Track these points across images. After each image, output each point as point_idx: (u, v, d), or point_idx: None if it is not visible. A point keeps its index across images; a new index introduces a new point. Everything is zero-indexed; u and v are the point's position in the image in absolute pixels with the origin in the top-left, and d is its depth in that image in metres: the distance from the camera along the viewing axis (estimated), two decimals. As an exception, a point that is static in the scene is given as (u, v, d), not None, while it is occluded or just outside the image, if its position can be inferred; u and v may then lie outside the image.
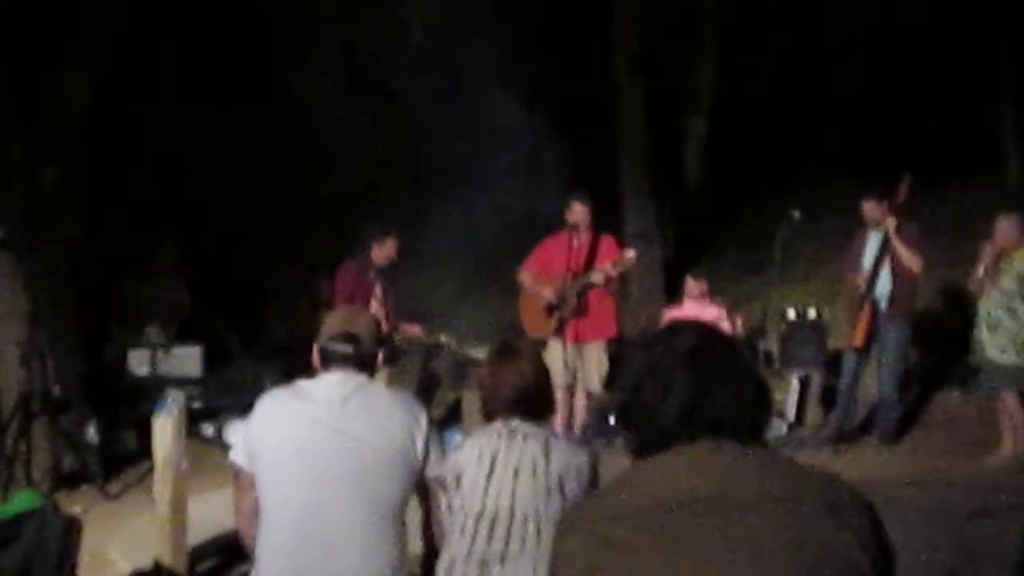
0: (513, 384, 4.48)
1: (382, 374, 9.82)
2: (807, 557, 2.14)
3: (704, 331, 2.56)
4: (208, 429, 10.71)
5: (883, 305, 10.28)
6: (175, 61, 13.37)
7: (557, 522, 2.48)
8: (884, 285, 10.29)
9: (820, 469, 2.41)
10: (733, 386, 2.40)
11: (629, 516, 2.23)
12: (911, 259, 10.16)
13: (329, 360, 4.30)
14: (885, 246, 10.25)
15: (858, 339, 10.33)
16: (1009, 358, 9.71)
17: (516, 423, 4.42)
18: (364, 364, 4.31)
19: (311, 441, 4.12)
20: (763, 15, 17.11)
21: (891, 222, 10.18)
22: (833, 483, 2.34)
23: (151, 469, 7.04)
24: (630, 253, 10.43)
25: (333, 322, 4.38)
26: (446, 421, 10.67)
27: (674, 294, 13.14)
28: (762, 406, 2.47)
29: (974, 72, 15.94)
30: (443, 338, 11.56)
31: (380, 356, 4.46)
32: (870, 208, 10.35)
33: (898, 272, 10.24)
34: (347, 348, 4.26)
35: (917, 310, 11.20)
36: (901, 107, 16.33)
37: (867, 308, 10.26)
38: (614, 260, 10.20)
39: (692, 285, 11.64)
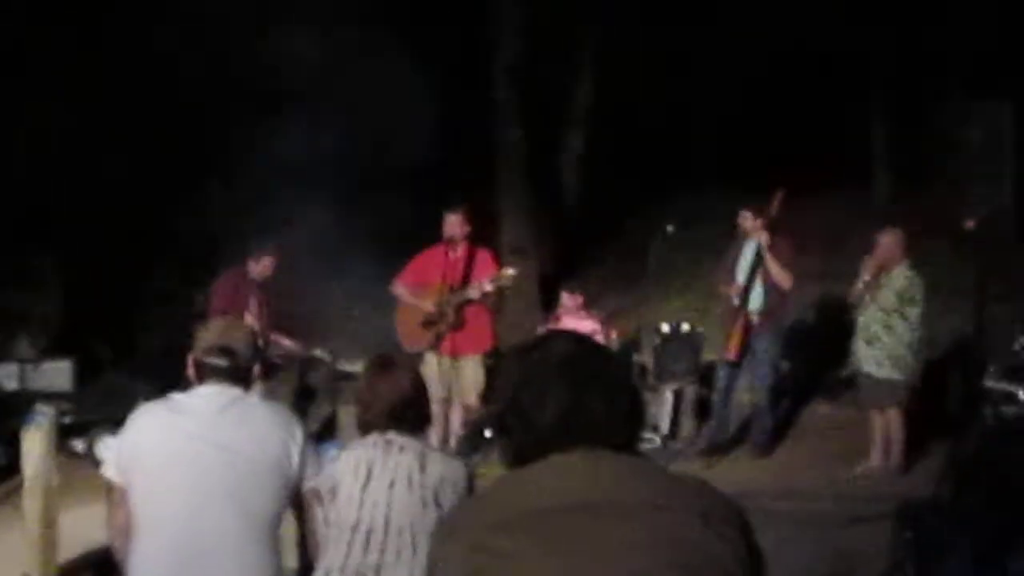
0: (389, 397, 4.48)
1: (257, 387, 9.80)
2: (681, 561, 2.16)
3: (579, 339, 2.57)
4: (79, 444, 10.51)
5: (755, 317, 10.41)
6: (48, 60, 13.13)
7: (433, 531, 2.48)
8: (757, 298, 10.41)
9: (692, 477, 2.44)
10: (608, 394, 2.41)
11: (506, 523, 2.23)
12: (781, 275, 10.30)
13: (205, 373, 4.26)
14: (759, 259, 10.38)
15: (732, 351, 10.45)
16: (885, 372, 9.88)
17: (392, 435, 4.42)
18: (240, 377, 4.28)
19: (186, 454, 4.08)
20: (638, 30, 17.25)
21: (764, 236, 10.31)
22: (705, 490, 2.37)
23: (21, 484, 6.90)
24: (509, 271, 10.43)
25: (209, 334, 4.34)
26: (322, 435, 10.58)
27: (551, 307, 13.20)
28: (636, 414, 2.50)
29: (845, 86, 16.23)
30: (319, 352, 11.48)
31: (256, 368, 4.44)
32: (745, 219, 10.47)
33: (770, 285, 10.37)
34: (223, 361, 4.23)
35: (789, 322, 11.38)
36: (774, 120, 16.56)
37: (741, 320, 10.39)
38: (492, 276, 10.20)
39: (567, 299, 11.69)
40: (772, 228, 10.36)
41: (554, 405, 2.37)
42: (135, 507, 4.14)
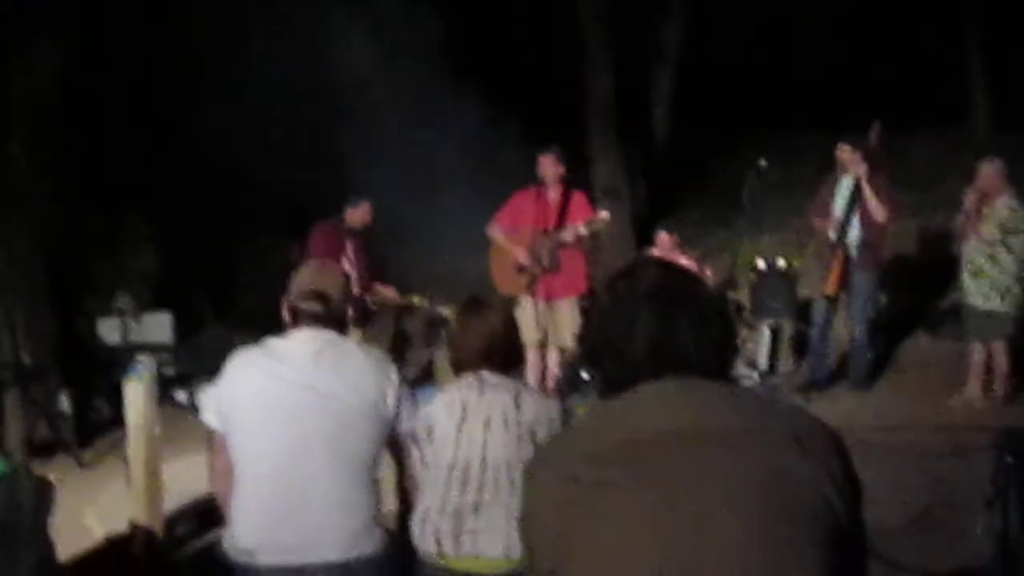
0: (481, 336, 4.51)
1: (355, 335, 9.90)
2: (777, 487, 2.14)
3: (667, 267, 2.55)
4: (181, 395, 10.67)
5: (853, 252, 10.30)
6: (141, 38, 13.25)
7: (526, 463, 2.48)
8: (854, 232, 10.30)
9: (787, 403, 2.42)
10: (698, 321, 2.38)
11: (598, 453, 2.22)
12: (878, 209, 10.16)
13: (299, 318, 4.29)
14: (856, 194, 10.25)
15: (830, 286, 10.36)
16: (992, 305, 9.78)
17: (485, 375, 4.44)
18: (334, 321, 4.31)
19: (283, 398, 4.12)
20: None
21: (862, 168, 10.18)
22: (800, 416, 2.34)
23: (124, 437, 7.01)
24: (603, 214, 10.40)
25: (302, 279, 4.37)
26: (420, 381, 10.67)
27: (645, 249, 13.15)
28: (727, 342, 2.47)
29: (941, 19, 15.95)
30: (416, 300, 11.54)
31: (350, 311, 4.47)
32: (844, 151, 10.34)
33: (867, 220, 10.25)
34: (316, 306, 4.26)
35: (888, 256, 11.26)
36: (868, 56, 16.34)
37: (839, 255, 10.29)
38: (587, 220, 10.16)
39: (663, 238, 11.65)
40: (870, 160, 10.22)
41: (643, 333, 2.35)
42: (235, 452, 4.20)
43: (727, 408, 2.28)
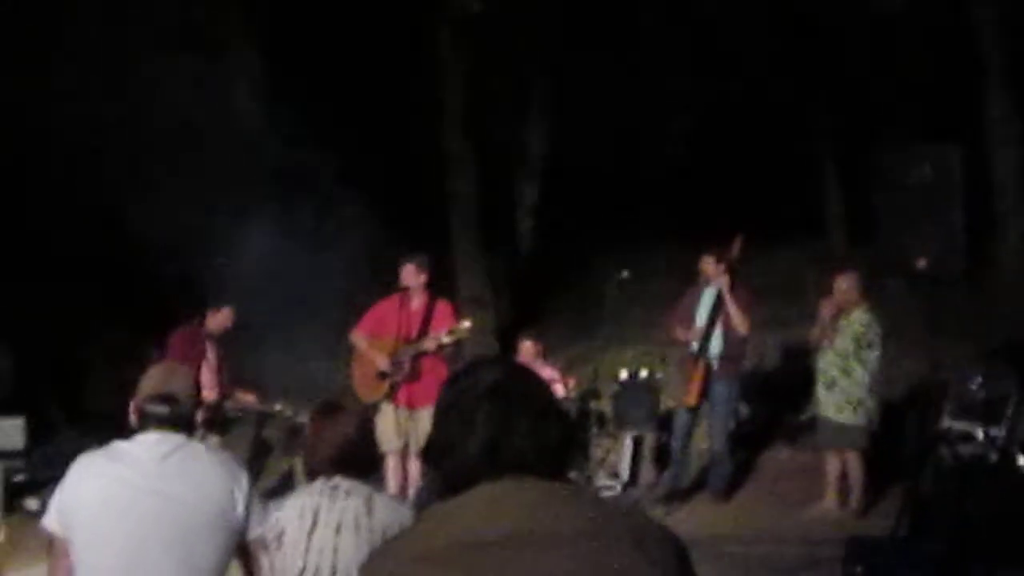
0: (335, 441, 4.45)
1: (213, 441, 9.74)
2: None
3: (507, 366, 2.55)
4: (32, 503, 10.41)
5: (714, 363, 10.42)
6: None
7: (360, 565, 2.44)
8: (716, 343, 10.43)
9: (627, 506, 2.42)
10: (535, 422, 2.36)
11: (433, 555, 2.19)
12: (740, 319, 10.32)
13: (147, 420, 4.21)
14: (718, 305, 10.41)
15: (691, 397, 10.46)
16: (845, 416, 9.92)
17: (338, 480, 4.38)
18: (182, 424, 4.24)
19: (126, 504, 4.02)
20: (593, 81, 17.34)
21: (725, 280, 10.35)
22: (638, 518, 2.34)
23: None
24: (465, 323, 10.40)
25: (150, 381, 4.29)
26: (279, 489, 10.51)
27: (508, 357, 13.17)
28: (566, 443, 2.46)
29: (795, 135, 16.35)
30: (277, 405, 11.40)
31: (199, 414, 4.40)
32: (707, 263, 10.50)
33: (729, 332, 10.40)
34: (164, 409, 4.18)
35: (748, 368, 11.41)
36: (727, 170, 16.67)
37: (700, 366, 10.40)
38: (449, 329, 10.17)
39: (526, 346, 11.70)
40: (733, 272, 10.39)
41: (481, 432, 2.34)
42: (75, 558, 4.08)
43: (563, 510, 2.26)
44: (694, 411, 10.63)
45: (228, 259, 12.46)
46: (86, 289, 13.51)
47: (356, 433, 4.52)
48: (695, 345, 10.47)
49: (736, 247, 10.41)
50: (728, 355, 10.45)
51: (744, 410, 11.48)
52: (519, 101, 17.83)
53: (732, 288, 10.37)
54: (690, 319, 10.64)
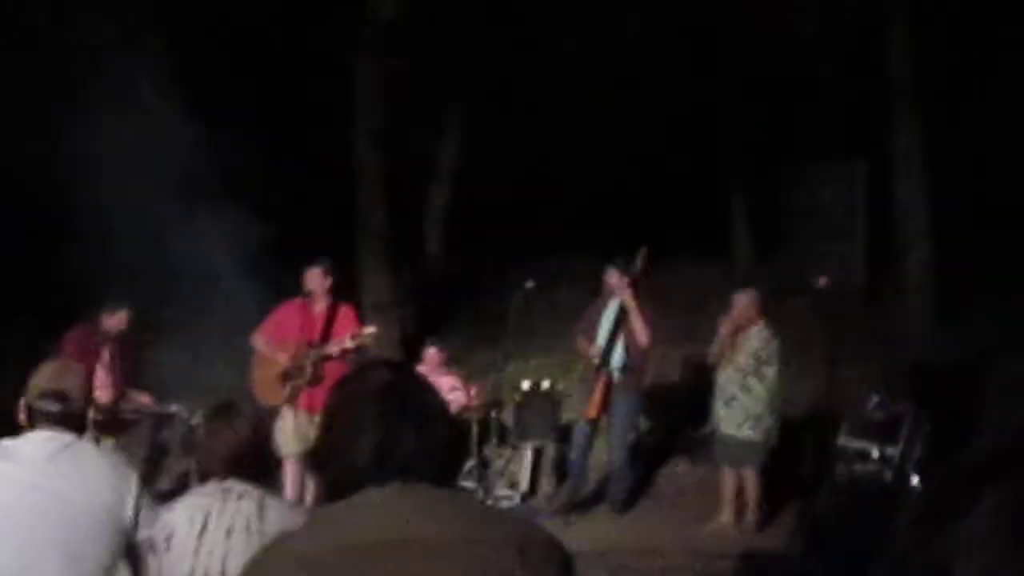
0: (228, 442, 4.37)
1: (108, 442, 9.59)
2: None
3: (396, 369, 2.53)
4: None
5: (616, 376, 10.44)
6: None
7: (241, 567, 2.40)
8: (618, 356, 10.46)
9: (515, 514, 2.40)
10: (424, 426, 2.35)
11: (317, 559, 2.17)
12: (642, 331, 10.35)
13: (36, 418, 4.12)
14: (621, 318, 10.43)
15: (592, 409, 10.47)
16: (744, 433, 9.97)
17: (231, 483, 4.31)
18: (73, 422, 4.15)
19: (13, 500, 3.94)
20: (505, 91, 17.37)
21: (628, 292, 10.37)
22: (524, 527, 2.33)
23: None
24: (370, 329, 10.34)
25: (40, 378, 4.21)
26: (176, 492, 10.35)
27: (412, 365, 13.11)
28: (453, 447, 2.45)
29: (703, 150, 16.47)
30: (173, 407, 11.26)
31: (92, 414, 4.31)
32: (612, 276, 10.52)
33: (631, 345, 10.43)
34: (54, 406, 4.10)
35: (649, 382, 11.45)
36: (635, 184, 16.76)
37: (602, 379, 10.41)
38: (353, 334, 10.10)
39: (430, 354, 11.69)
40: (636, 286, 10.43)
41: (368, 436, 2.32)
42: None
43: (449, 515, 2.25)
44: (594, 423, 10.64)
45: (128, 255, 12.28)
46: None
47: (250, 435, 4.46)
48: (597, 358, 10.48)
49: (641, 259, 10.44)
50: (629, 368, 10.48)
51: (643, 424, 11.52)
52: (431, 109, 17.80)
53: (636, 301, 10.40)
54: (593, 331, 10.66)
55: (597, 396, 10.44)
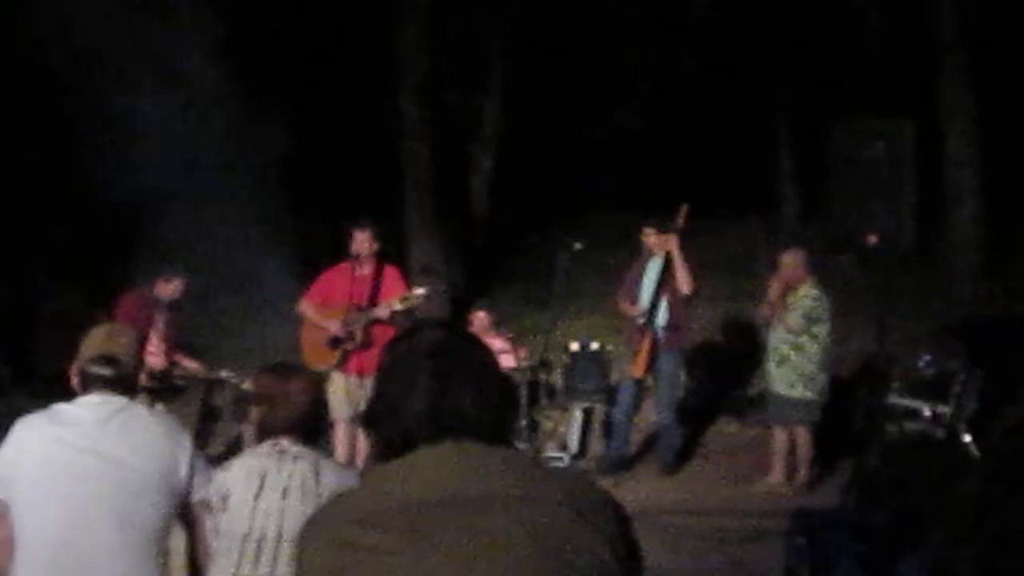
0: (295, 399, 4.41)
1: (160, 408, 9.67)
2: (552, 552, 2.13)
3: (449, 329, 2.53)
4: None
5: (661, 334, 10.43)
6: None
7: (301, 528, 2.41)
8: (662, 315, 10.44)
9: (567, 470, 2.41)
10: (476, 384, 2.36)
11: (373, 518, 2.18)
12: (685, 280, 10.30)
13: (88, 382, 4.15)
14: (663, 275, 10.40)
15: (639, 368, 10.46)
16: (797, 392, 9.95)
17: (286, 444, 4.34)
18: (125, 386, 4.17)
19: (67, 465, 3.96)
20: (550, 50, 17.33)
21: (674, 243, 10.32)
22: (578, 482, 2.34)
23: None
24: (419, 290, 10.33)
25: (92, 343, 4.22)
26: (227, 456, 10.44)
27: (460, 327, 13.12)
28: (506, 405, 2.46)
29: (750, 109, 16.37)
30: (224, 373, 11.34)
31: (144, 380, 4.34)
32: (648, 235, 10.49)
33: (674, 302, 10.40)
34: (106, 370, 4.12)
35: (698, 341, 11.43)
36: (683, 143, 16.69)
37: (648, 337, 10.40)
38: (400, 296, 10.10)
39: (478, 317, 11.70)
40: (680, 239, 10.38)
41: (421, 394, 2.33)
42: (16, 522, 4.01)
43: (503, 473, 2.26)
44: (640, 383, 10.64)
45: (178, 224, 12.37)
46: (38, 251, 13.38)
47: (307, 396, 4.49)
48: (641, 318, 10.47)
49: (680, 216, 10.39)
50: (672, 326, 10.46)
51: (690, 383, 11.50)
52: (476, 69, 17.77)
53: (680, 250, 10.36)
54: (636, 292, 10.64)
55: (643, 355, 10.42)
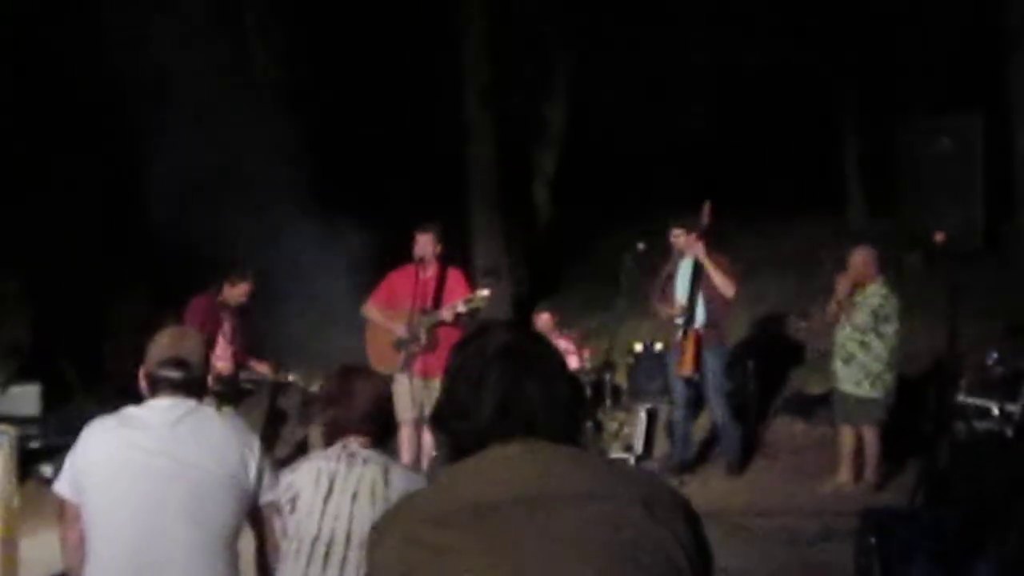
0: (369, 396, 4.43)
1: (227, 410, 9.74)
2: (624, 550, 2.13)
3: (517, 329, 2.53)
4: (47, 469, 10.41)
5: (702, 332, 10.38)
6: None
7: (372, 527, 2.42)
8: (700, 313, 10.39)
9: (638, 468, 2.41)
10: (546, 384, 2.36)
11: (445, 517, 2.19)
12: (725, 284, 10.26)
13: (157, 386, 4.18)
14: (697, 274, 10.36)
15: (687, 366, 10.37)
16: (863, 391, 9.88)
17: (355, 447, 4.36)
18: (194, 388, 4.21)
19: (138, 468, 4.00)
20: (611, 54, 17.28)
21: (700, 248, 10.29)
22: (648, 479, 2.34)
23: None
24: (483, 292, 10.34)
25: (160, 346, 4.25)
26: (293, 459, 10.51)
27: (524, 328, 13.11)
28: (575, 405, 2.45)
29: (815, 107, 16.25)
30: (291, 376, 11.42)
31: (211, 383, 4.37)
32: (677, 237, 10.45)
33: (711, 299, 10.35)
34: (175, 373, 4.15)
35: (763, 340, 11.35)
36: (747, 143, 16.60)
37: (691, 337, 10.34)
38: (464, 298, 10.12)
39: (543, 318, 11.69)
40: (707, 239, 10.34)
41: (491, 394, 2.33)
42: (88, 525, 4.06)
43: (573, 472, 2.26)
44: (690, 382, 10.57)
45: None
46: (106, 256, 13.51)
47: (383, 392, 4.53)
48: (680, 319, 10.42)
49: (705, 215, 10.34)
50: (713, 322, 10.43)
51: (754, 382, 11.42)
52: (539, 70, 17.77)
53: (708, 254, 10.31)
54: (668, 294, 10.60)
55: (689, 354, 10.35)
